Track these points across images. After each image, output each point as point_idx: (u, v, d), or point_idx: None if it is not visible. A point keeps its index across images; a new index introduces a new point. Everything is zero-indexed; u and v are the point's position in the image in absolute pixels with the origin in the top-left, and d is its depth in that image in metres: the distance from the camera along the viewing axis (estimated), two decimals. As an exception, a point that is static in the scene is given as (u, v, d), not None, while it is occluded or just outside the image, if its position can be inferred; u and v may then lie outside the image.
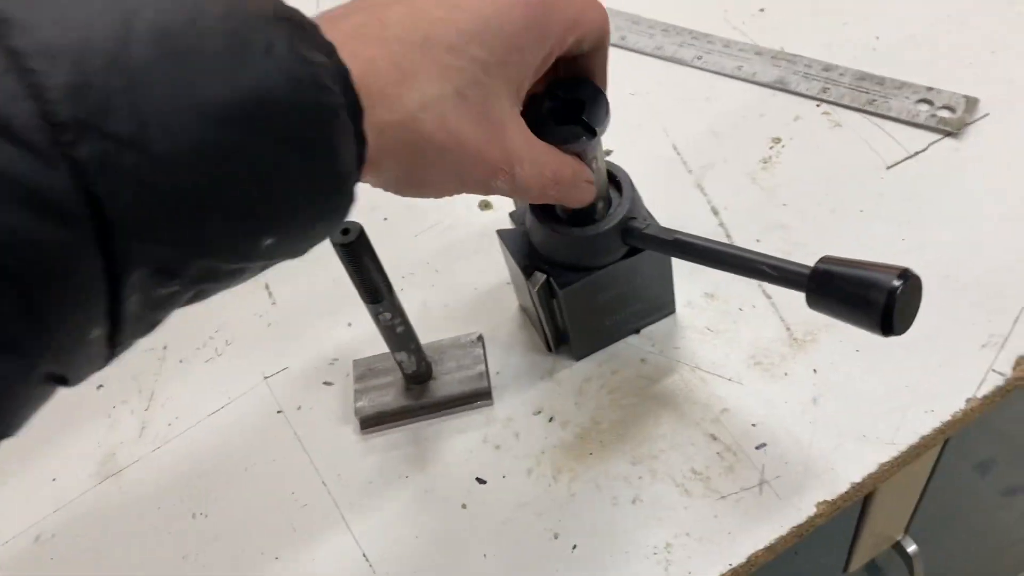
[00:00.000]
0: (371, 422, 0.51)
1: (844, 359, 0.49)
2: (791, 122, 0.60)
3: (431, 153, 0.31)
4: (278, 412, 0.53)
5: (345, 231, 0.41)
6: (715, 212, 0.56)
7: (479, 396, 0.51)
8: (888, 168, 0.56)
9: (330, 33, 0.27)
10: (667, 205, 0.54)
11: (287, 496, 0.49)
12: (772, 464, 0.46)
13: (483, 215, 0.60)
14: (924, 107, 0.58)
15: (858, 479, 0.45)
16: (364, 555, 0.47)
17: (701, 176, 0.58)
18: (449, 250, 0.59)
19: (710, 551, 0.44)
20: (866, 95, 0.60)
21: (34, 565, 0.49)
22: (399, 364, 0.50)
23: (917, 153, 0.57)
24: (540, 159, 0.36)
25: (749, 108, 0.61)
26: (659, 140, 0.61)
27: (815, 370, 0.49)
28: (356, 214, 0.45)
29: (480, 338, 0.53)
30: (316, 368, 0.54)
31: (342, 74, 0.27)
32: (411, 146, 0.30)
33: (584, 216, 0.45)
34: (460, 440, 0.50)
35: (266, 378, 0.54)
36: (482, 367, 0.51)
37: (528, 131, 0.35)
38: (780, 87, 0.62)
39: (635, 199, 0.46)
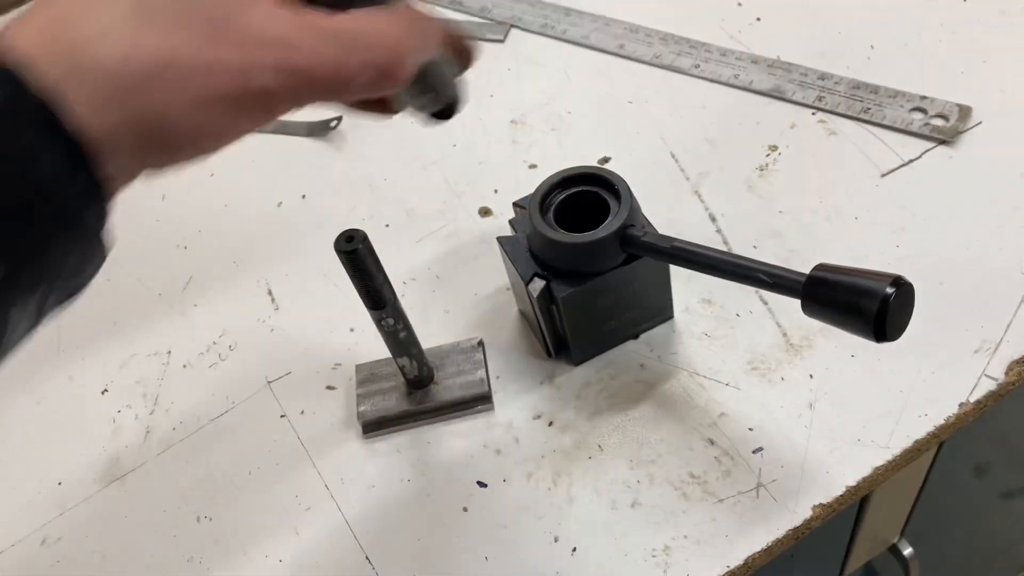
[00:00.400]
0: (373, 426, 0.52)
1: (840, 364, 0.50)
2: (787, 130, 0.61)
3: (138, 82, 0.26)
4: (281, 416, 0.53)
5: (349, 239, 0.42)
6: (712, 219, 0.57)
7: (480, 400, 0.52)
8: (883, 176, 0.57)
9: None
10: (665, 212, 0.55)
11: (291, 499, 0.50)
12: (769, 468, 0.47)
13: (483, 221, 0.61)
14: (918, 115, 0.59)
15: (853, 482, 0.46)
16: (367, 558, 0.47)
17: (698, 183, 0.59)
18: (449, 256, 0.59)
19: (708, 553, 0.45)
20: (861, 103, 0.61)
21: (41, 568, 0.50)
22: (401, 369, 0.50)
23: (911, 161, 0.57)
24: (341, 32, 0.29)
25: (746, 116, 0.62)
26: (657, 148, 0.61)
27: (811, 375, 0.50)
28: (358, 222, 0.44)
29: (480, 343, 0.53)
30: (319, 373, 0.55)
31: None
32: (109, 85, 0.25)
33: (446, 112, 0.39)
34: (461, 444, 0.51)
35: (269, 383, 0.55)
36: (483, 372, 0.52)
37: (300, 8, 0.29)
38: (776, 95, 0.63)
39: (633, 206, 0.47)
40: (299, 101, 0.28)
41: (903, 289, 0.37)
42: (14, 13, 0.81)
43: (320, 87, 0.28)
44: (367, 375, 0.53)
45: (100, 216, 0.26)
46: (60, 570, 0.50)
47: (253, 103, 0.28)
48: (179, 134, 0.27)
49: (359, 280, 0.44)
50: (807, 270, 0.40)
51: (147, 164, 0.27)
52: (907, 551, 0.81)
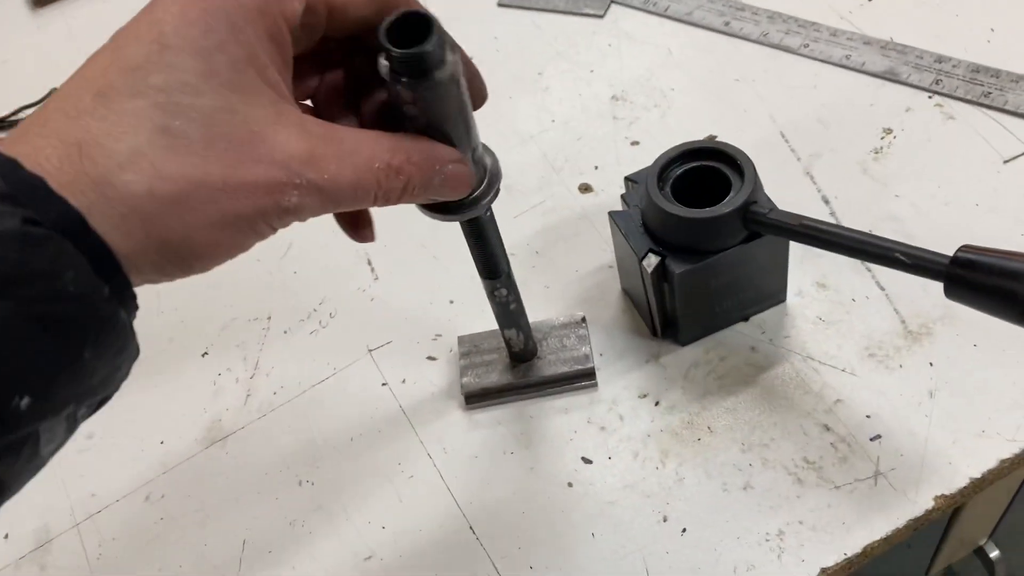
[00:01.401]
0: (476, 398, 0.51)
1: (961, 353, 0.48)
2: (902, 113, 0.59)
3: (166, 209, 0.26)
4: (383, 384, 0.53)
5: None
6: (826, 201, 0.55)
7: (584, 376, 0.51)
8: (1005, 162, 0.55)
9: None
10: (776, 193, 0.53)
11: (393, 467, 0.50)
12: (887, 456, 0.45)
13: (583, 197, 0.60)
14: (1043, 101, 0.57)
15: (977, 474, 0.44)
16: (471, 527, 0.47)
17: (810, 164, 0.57)
18: (549, 232, 0.59)
19: (824, 540, 0.44)
20: (981, 88, 0.59)
21: (145, 523, 0.51)
22: (507, 341, 0.50)
23: (1036, 148, 0.55)
24: (358, 148, 0.30)
25: (858, 98, 0.60)
26: (766, 127, 0.60)
27: (931, 363, 0.48)
28: None
29: (584, 319, 0.53)
30: (419, 343, 0.55)
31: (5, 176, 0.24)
32: (136, 215, 0.25)
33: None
34: (564, 420, 0.50)
35: (370, 351, 0.55)
36: (587, 348, 0.51)
37: (322, 124, 0.29)
38: (890, 77, 0.61)
39: (757, 183, 0.46)
40: (317, 214, 0.29)
41: (1057, 273, 0.36)
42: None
43: (339, 204, 0.29)
44: (470, 347, 0.53)
45: (129, 315, 0.26)
46: (163, 526, 0.50)
47: (276, 218, 0.28)
48: (199, 253, 0.27)
49: (479, 248, 0.43)
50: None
51: (164, 277, 0.28)
52: (994, 554, 0.79)
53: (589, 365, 0.51)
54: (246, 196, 0.27)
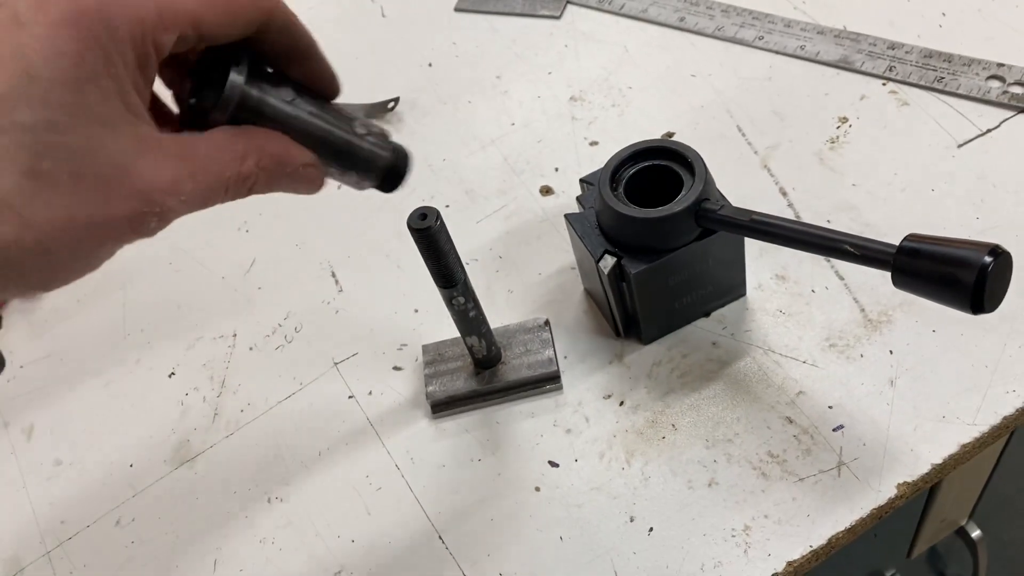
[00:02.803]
0: (442, 407, 0.51)
1: (921, 340, 0.48)
2: (857, 101, 0.59)
3: (33, 258, 0.26)
4: (349, 397, 0.53)
5: (423, 216, 0.41)
6: (783, 193, 0.55)
7: (548, 380, 0.51)
8: (959, 146, 0.55)
9: None
10: (734, 187, 0.54)
11: (361, 479, 0.50)
12: (850, 446, 0.46)
13: (545, 200, 0.60)
14: (995, 84, 0.57)
15: (939, 460, 0.44)
16: (440, 536, 0.47)
17: (767, 157, 0.58)
18: (511, 236, 0.59)
19: (789, 533, 0.44)
20: (934, 73, 0.59)
21: (115, 548, 0.50)
22: (470, 348, 0.50)
23: (989, 131, 0.55)
24: (210, 158, 0.30)
25: (814, 88, 0.60)
26: (723, 121, 0.60)
27: (891, 351, 0.48)
28: (417, 203, 0.43)
29: (547, 323, 0.53)
30: (385, 354, 0.55)
31: None
32: (4, 262, 0.25)
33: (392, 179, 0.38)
34: (531, 424, 0.50)
35: (336, 364, 0.55)
36: (551, 351, 0.51)
37: (175, 139, 0.30)
38: (844, 66, 0.61)
39: (708, 180, 0.46)
40: (178, 216, 0.30)
41: (1001, 259, 0.36)
42: None
43: (190, 212, 0.30)
44: (434, 355, 0.53)
45: None
46: (134, 550, 0.50)
47: (136, 236, 0.29)
48: (56, 283, 0.28)
49: (432, 258, 0.43)
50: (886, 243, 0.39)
51: (10, 297, 0.28)
52: (975, 533, 0.79)
53: (553, 369, 0.51)
54: (110, 230, 0.27)
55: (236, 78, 0.32)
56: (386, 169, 0.38)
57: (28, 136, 0.25)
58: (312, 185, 0.35)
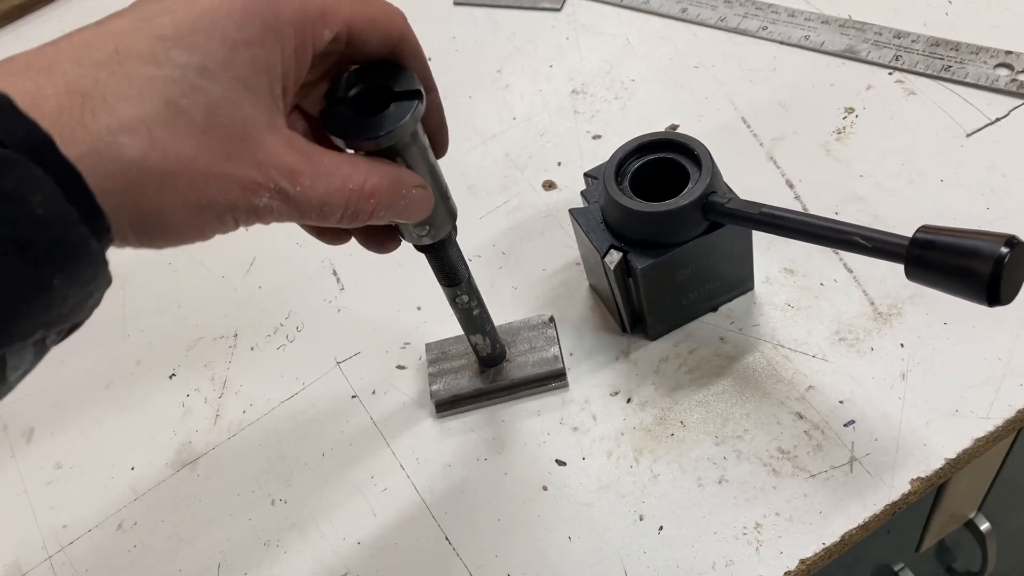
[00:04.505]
0: (447, 405, 0.51)
1: (932, 332, 0.48)
2: (863, 91, 0.58)
3: (151, 181, 0.26)
4: (352, 397, 0.53)
5: None
6: (790, 185, 0.55)
7: (554, 377, 0.50)
8: (968, 136, 0.55)
9: None
10: (739, 179, 0.53)
11: (366, 480, 0.49)
12: (862, 441, 0.45)
13: (548, 195, 0.59)
14: (1003, 72, 0.56)
15: (952, 455, 0.44)
16: (447, 537, 0.46)
17: (773, 149, 0.57)
18: (515, 232, 0.58)
19: (801, 530, 0.43)
20: (941, 61, 0.58)
21: (118, 553, 0.50)
22: (474, 347, 0.49)
23: (998, 119, 0.55)
24: (334, 171, 0.31)
25: (818, 78, 0.60)
26: (727, 113, 0.59)
27: (902, 344, 0.47)
28: None
29: (552, 319, 0.52)
30: (388, 352, 0.54)
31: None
32: (122, 177, 0.26)
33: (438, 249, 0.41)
34: (537, 422, 0.50)
35: (339, 363, 0.54)
36: (556, 348, 0.51)
37: (306, 142, 0.31)
38: (850, 56, 0.60)
39: (715, 172, 0.45)
40: (283, 220, 0.31)
41: (1017, 249, 0.35)
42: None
43: (305, 216, 0.31)
44: (437, 354, 0.52)
45: (101, 243, 0.26)
46: (137, 555, 0.50)
47: (244, 215, 0.29)
48: (164, 230, 0.28)
49: (436, 257, 0.42)
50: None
51: (123, 243, 0.28)
52: (984, 526, 0.78)
53: (559, 366, 0.50)
54: (224, 187, 0.28)
55: (410, 121, 0.33)
56: (443, 238, 0.40)
57: (178, 72, 0.27)
58: (423, 208, 0.36)
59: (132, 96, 0.26)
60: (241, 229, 0.30)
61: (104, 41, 0.27)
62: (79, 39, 0.27)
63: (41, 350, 0.26)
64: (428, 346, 0.52)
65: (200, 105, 0.27)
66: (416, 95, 0.34)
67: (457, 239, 0.42)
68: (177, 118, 0.27)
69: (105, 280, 0.27)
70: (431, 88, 0.36)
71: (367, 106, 0.34)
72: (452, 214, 0.40)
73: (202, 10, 0.28)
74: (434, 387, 0.51)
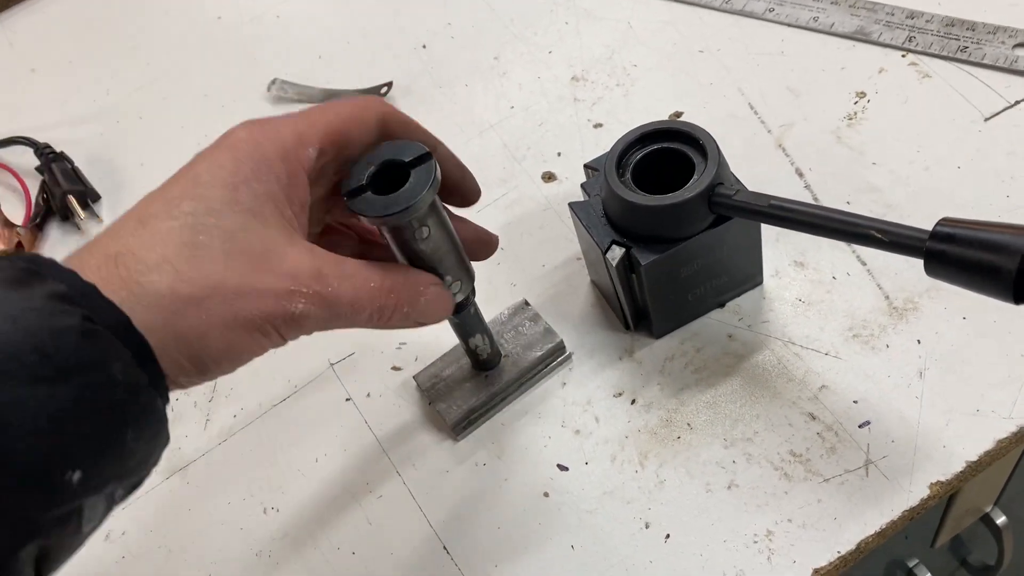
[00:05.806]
0: (464, 424, 0.48)
1: (950, 328, 0.45)
2: (875, 75, 0.56)
3: (186, 307, 0.29)
4: (346, 400, 0.51)
5: None
6: (800, 174, 0.52)
7: (556, 352, 0.48)
8: (986, 120, 0.52)
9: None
10: (747, 168, 0.51)
11: (361, 487, 0.47)
12: (878, 443, 0.43)
13: (547, 187, 0.57)
14: (1022, 52, 0.54)
15: (974, 457, 0.42)
16: (445, 547, 0.45)
17: (782, 136, 0.54)
18: (513, 225, 0.56)
19: (815, 538, 0.41)
20: (957, 42, 0.56)
21: (106, 563, 0.48)
22: (473, 351, 0.47)
23: (1018, 102, 0.52)
24: (356, 272, 0.34)
25: (828, 61, 0.57)
26: (734, 99, 0.57)
27: (919, 341, 0.45)
28: None
29: (527, 302, 0.50)
30: (383, 353, 0.52)
31: (67, 283, 0.27)
32: (159, 308, 0.29)
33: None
34: (538, 425, 0.48)
35: (332, 364, 0.52)
36: (544, 324, 0.49)
37: (325, 251, 0.33)
38: (861, 38, 0.58)
39: (721, 163, 0.43)
40: (319, 326, 0.33)
41: (1045, 243, 0.33)
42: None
43: (339, 317, 0.33)
44: (431, 379, 0.49)
45: (164, 403, 0.29)
46: (126, 566, 0.48)
47: (284, 325, 0.31)
48: (213, 353, 0.30)
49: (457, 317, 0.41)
50: (910, 226, 0.36)
51: (184, 377, 0.30)
52: (1000, 520, 0.76)
53: (557, 339, 0.48)
54: (257, 300, 0.30)
55: (427, 194, 0.34)
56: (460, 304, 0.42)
57: (190, 218, 0.30)
58: (443, 307, 0.38)
59: (154, 245, 0.30)
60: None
61: (131, 217, 0.31)
62: (114, 223, 0.31)
63: (110, 504, 0.29)
64: (417, 378, 0.49)
65: (216, 237, 0.30)
66: (426, 157, 0.35)
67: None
68: (197, 251, 0.30)
69: (165, 437, 0.30)
70: (434, 146, 0.38)
71: (386, 185, 0.35)
72: (470, 275, 0.41)
73: (201, 168, 0.32)
74: (442, 407, 0.48)
